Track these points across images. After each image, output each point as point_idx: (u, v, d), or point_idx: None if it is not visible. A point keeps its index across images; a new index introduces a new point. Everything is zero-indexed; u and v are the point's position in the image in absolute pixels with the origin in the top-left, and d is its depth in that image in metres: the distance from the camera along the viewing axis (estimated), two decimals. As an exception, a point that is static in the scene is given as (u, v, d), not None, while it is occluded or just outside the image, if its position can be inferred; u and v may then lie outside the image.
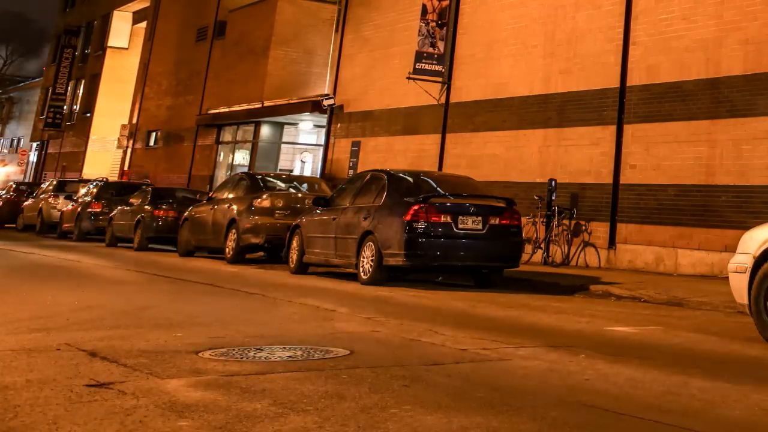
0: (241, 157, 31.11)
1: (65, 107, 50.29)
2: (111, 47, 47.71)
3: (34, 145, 56.91)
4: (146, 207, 21.38)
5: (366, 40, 24.86)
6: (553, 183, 17.36)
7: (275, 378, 5.36)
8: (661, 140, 15.84)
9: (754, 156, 14.32)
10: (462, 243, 12.62)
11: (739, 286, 8.01)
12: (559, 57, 18.35)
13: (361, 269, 13.06)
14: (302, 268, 14.92)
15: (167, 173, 35.40)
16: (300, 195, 17.79)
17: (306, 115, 27.43)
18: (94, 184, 27.01)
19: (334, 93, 25.59)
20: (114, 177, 39.92)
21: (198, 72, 34.80)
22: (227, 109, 30.88)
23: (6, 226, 32.35)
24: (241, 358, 6.05)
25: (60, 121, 49.91)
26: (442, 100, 21.42)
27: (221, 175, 30.43)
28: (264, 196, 16.95)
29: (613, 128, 16.80)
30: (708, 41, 15.36)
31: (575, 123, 17.68)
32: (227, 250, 17.20)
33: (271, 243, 16.79)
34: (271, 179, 18.83)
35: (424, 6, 21.46)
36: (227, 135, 32.20)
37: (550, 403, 4.97)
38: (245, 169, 28.12)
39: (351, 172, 23.97)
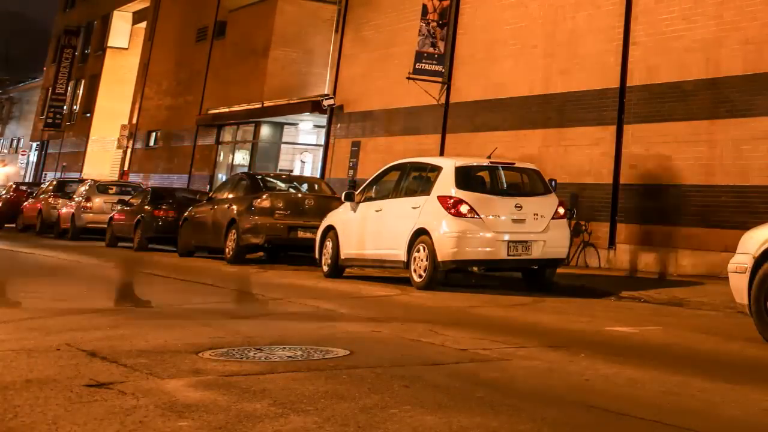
0: (241, 157, 31.09)
1: (65, 107, 50.25)
2: (111, 47, 47.67)
3: (34, 145, 56.86)
4: (146, 207, 21.34)
5: (366, 40, 24.84)
6: (553, 183, 17.32)
7: (275, 378, 5.36)
8: (661, 140, 15.82)
9: (753, 156, 14.31)
10: None
11: (739, 286, 8.01)
12: (559, 57, 18.34)
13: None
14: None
15: (168, 173, 35.41)
16: (300, 195, 17.80)
17: (306, 116, 27.39)
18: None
19: (334, 93, 25.56)
20: (114, 177, 39.89)
21: (198, 72, 34.77)
22: (227, 110, 30.85)
23: (6, 226, 32.34)
24: (241, 358, 6.05)
25: (60, 121, 49.87)
26: (442, 100, 21.40)
27: (221, 175, 30.41)
28: (264, 197, 16.93)
29: (613, 128, 16.79)
30: (708, 41, 15.35)
31: (575, 123, 17.67)
32: (227, 250, 17.18)
33: (271, 243, 16.78)
34: (271, 179, 18.83)
35: (424, 6, 21.42)
36: (227, 135, 32.18)
37: (550, 403, 4.97)
38: (245, 169, 28.07)
39: (351, 172, 23.95)
